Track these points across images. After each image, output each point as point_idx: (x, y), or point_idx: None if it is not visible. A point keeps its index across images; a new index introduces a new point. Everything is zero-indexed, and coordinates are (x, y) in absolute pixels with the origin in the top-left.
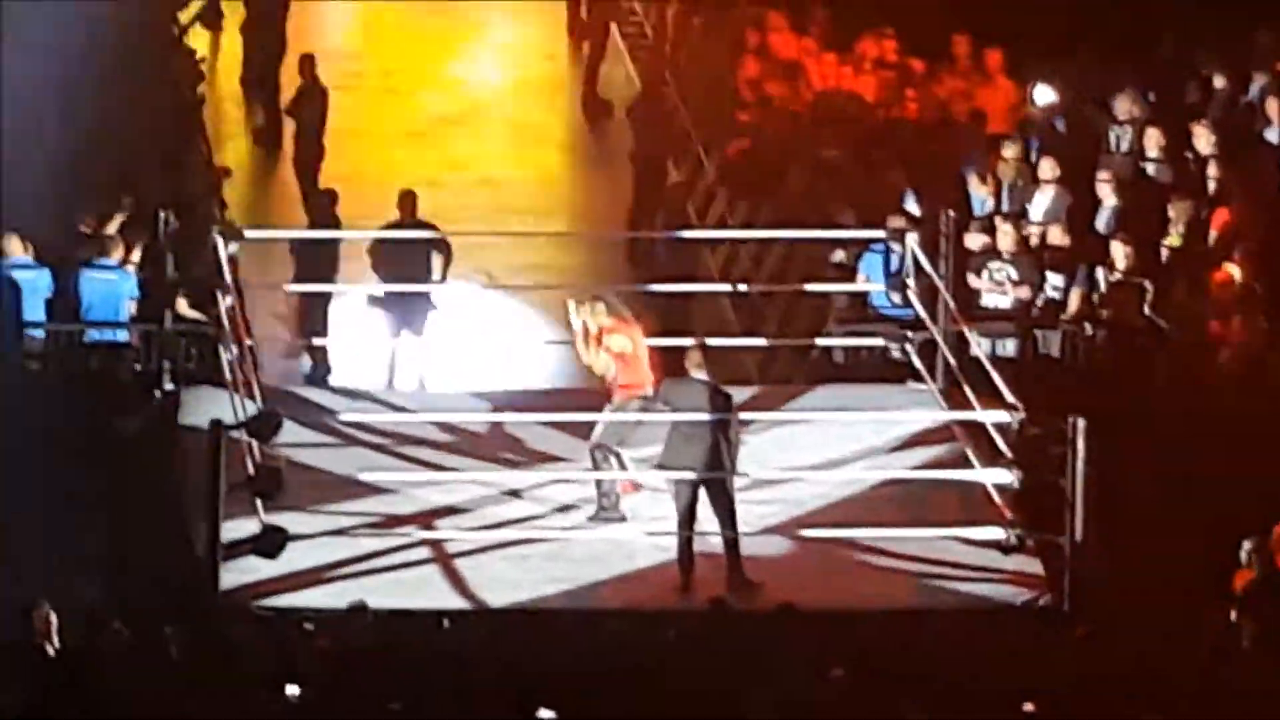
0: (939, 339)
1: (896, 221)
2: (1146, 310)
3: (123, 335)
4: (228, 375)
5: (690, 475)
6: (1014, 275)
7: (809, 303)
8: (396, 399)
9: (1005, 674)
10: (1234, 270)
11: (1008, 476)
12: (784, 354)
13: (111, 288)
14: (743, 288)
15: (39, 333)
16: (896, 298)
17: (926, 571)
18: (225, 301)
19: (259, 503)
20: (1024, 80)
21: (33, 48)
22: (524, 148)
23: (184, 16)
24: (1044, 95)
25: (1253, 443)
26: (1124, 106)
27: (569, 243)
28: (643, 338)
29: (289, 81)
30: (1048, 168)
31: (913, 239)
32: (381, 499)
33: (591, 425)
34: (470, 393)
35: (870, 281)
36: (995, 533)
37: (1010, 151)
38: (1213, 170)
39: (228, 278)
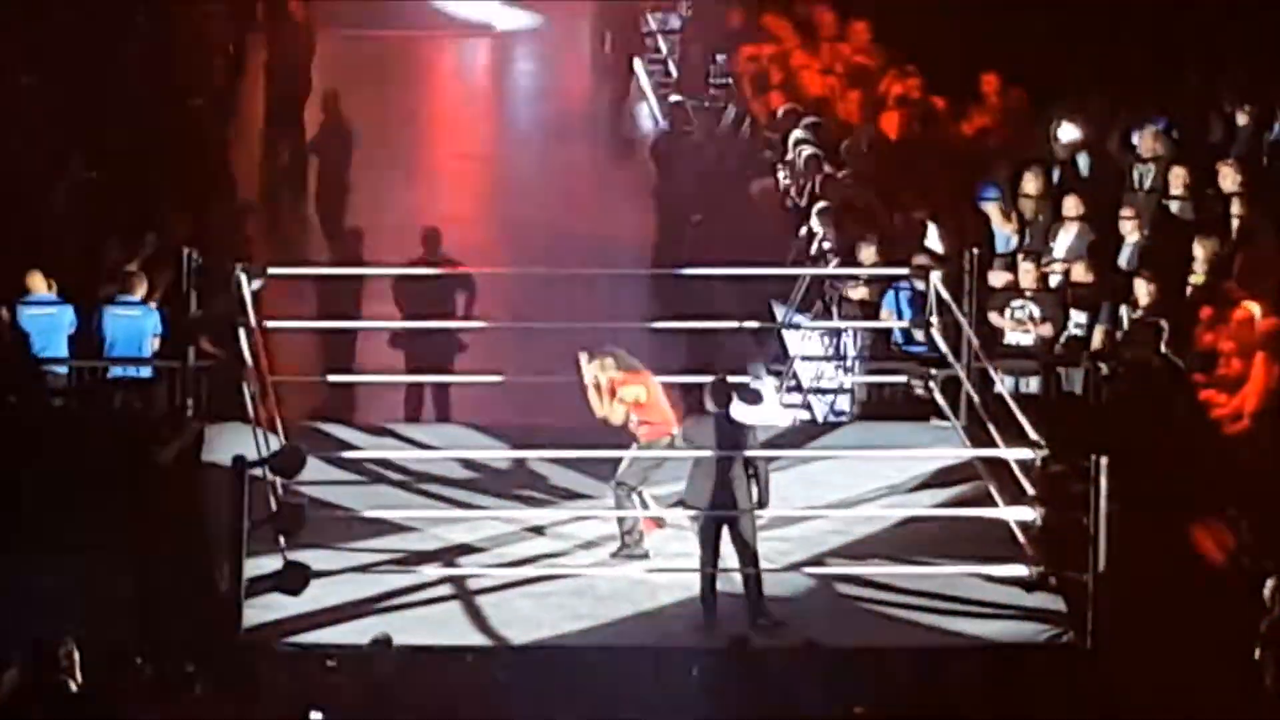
0: (962, 376)
1: (920, 259)
2: (1163, 348)
3: (146, 372)
4: (250, 412)
5: (712, 512)
6: (1036, 314)
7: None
8: (419, 436)
9: (1027, 712)
10: (1254, 308)
11: (1030, 514)
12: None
13: (135, 324)
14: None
15: (62, 369)
16: (920, 335)
17: (949, 609)
18: (248, 338)
19: (281, 539)
20: (1047, 117)
21: (56, 83)
22: (548, 185)
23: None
24: (1068, 133)
25: (1276, 479)
26: (1147, 144)
27: (592, 280)
28: (656, 383)
29: (313, 119)
30: (1071, 205)
31: (936, 276)
32: (404, 536)
33: (614, 462)
34: (493, 430)
35: (894, 319)
36: (1018, 570)
37: (1032, 187)
38: (1236, 208)
39: (251, 314)
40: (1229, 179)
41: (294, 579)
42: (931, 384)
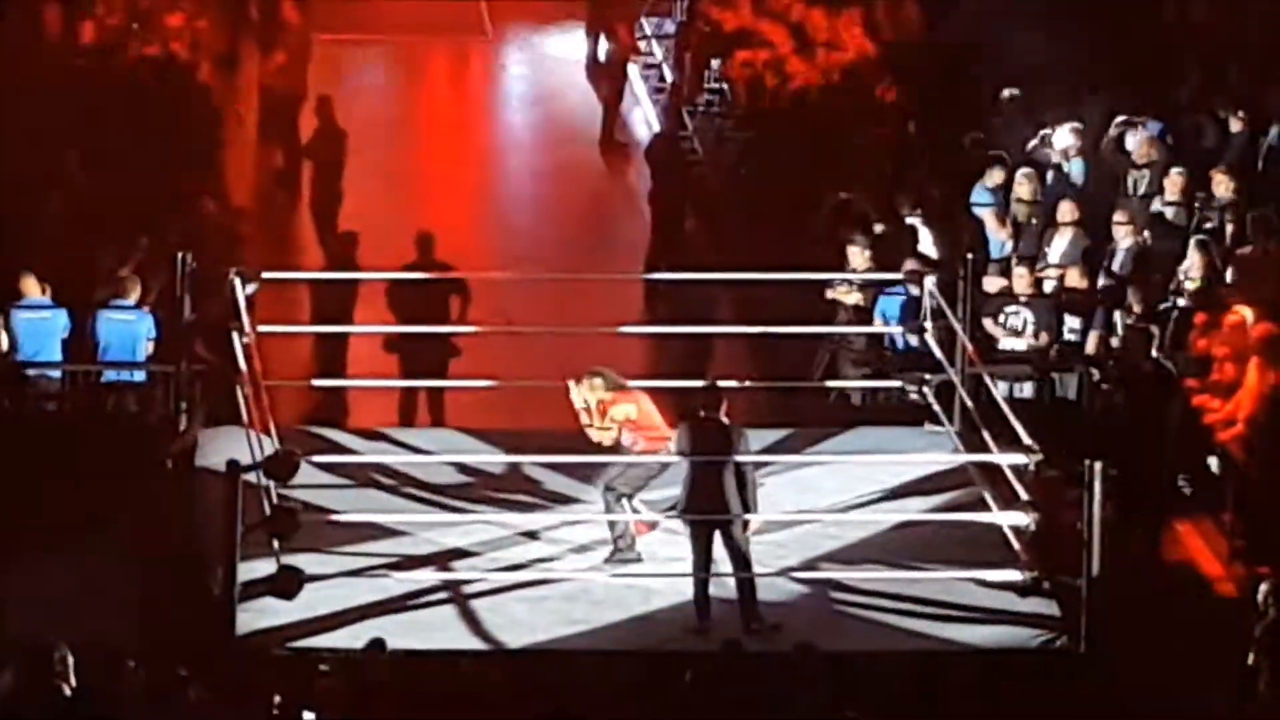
0: (956, 381)
1: (913, 264)
2: (1154, 353)
3: (140, 376)
4: (244, 416)
5: (703, 517)
6: (1030, 320)
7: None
8: (413, 440)
9: (1021, 716)
10: (1246, 313)
11: (1024, 519)
12: (802, 396)
13: (129, 328)
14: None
15: (55, 373)
16: (914, 340)
17: (942, 614)
18: (242, 342)
19: (275, 543)
20: (1040, 122)
21: (50, 90)
22: (542, 190)
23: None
24: (1062, 138)
25: (1269, 485)
26: (1142, 150)
27: (586, 285)
28: (645, 398)
29: (307, 123)
30: (1066, 210)
31: (930, 281)
32: (398, 540)
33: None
34: (486, 434)
35: (888, 324)
36: (1012, 575)
37: (1024, 191)
38: (1230, 214)
39: (245, 318)
40: (1223, 185)
41: (287, 583)
42: (925, 389)
